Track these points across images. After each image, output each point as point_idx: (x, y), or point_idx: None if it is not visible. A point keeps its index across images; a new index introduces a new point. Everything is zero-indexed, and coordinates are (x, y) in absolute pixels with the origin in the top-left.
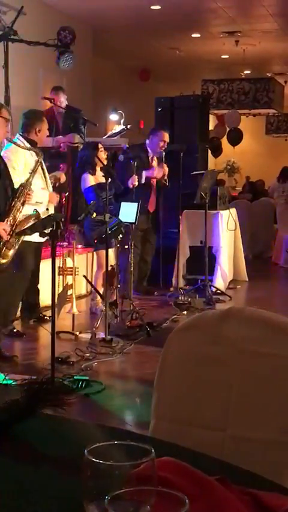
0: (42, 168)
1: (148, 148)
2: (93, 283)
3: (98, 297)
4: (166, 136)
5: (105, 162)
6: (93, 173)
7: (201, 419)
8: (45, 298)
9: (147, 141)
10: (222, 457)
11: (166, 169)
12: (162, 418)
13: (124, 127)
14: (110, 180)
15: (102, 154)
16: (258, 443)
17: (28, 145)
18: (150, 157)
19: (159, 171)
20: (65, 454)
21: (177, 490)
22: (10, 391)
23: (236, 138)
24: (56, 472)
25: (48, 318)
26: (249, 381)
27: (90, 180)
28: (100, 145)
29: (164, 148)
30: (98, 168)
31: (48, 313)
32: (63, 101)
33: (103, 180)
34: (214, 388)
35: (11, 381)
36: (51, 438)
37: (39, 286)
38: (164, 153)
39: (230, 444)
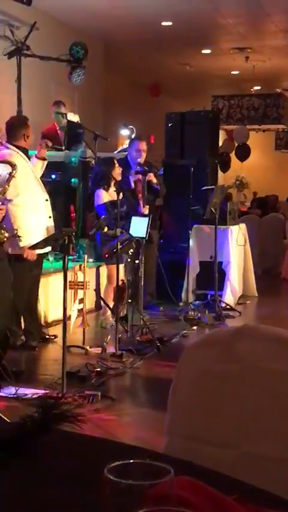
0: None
1: (130, 162)
2: (103, 297)
3: (109, 312)
4: (142, 145)
5: (118, 178)
6: (108, 189)
7: (215, 437)
8: (56, 313)
9: (127, 155)
10: (236, 475)
11: (152, 177)
12: (176, 435)
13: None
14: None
15: (118, 170)
16: (272, 461)
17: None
18: (130, 178)
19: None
20: (81, 472)
21: (195, 510)
22: (23, 406)
23: (244, 153)
24: (72, 490)
25: (51, 337)
26: (263, 398)
27: (104, 196)
28: (115, 161)
29: (143, 157)
30: (112, 184)
31: (56, 329)
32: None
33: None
34: (228, 405)
35: None
36: (67, 455)
37: (43, 301)
38: (142, 161)
39: (244, 462)
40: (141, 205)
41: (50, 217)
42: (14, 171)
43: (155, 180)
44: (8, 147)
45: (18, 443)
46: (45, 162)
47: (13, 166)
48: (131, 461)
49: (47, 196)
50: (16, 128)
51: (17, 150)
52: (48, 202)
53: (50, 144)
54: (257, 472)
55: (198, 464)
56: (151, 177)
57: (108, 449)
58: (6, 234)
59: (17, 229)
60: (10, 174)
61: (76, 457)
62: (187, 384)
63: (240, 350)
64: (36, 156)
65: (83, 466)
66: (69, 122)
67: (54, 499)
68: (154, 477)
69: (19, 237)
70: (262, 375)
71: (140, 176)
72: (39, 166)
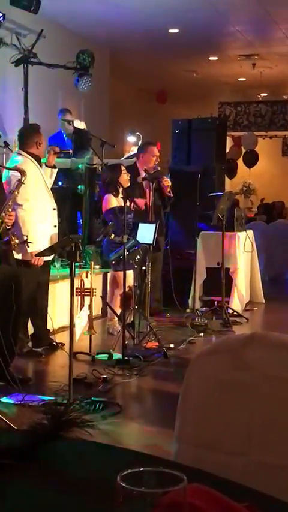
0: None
1: (139, 168)
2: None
3: (115, 318)
4: (156, 151)
5: (126, 185)
6: (117, 195)
7: (224, 444)
8: (63, 320)
9: (136, 161)
10: (244, 482)
11: (169, 183)
12: (185, 442)
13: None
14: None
15: (125, 177)
16: (281, 468)
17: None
18: (143, 183)
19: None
20: (93, 479)
21: None
22: (30, 413)
23: (251, 160)
24: (84, 497)
25: (59, 344)
26: (273, 406)
27: (112, 201)
28: (123, 168)
29: (157, 163)
30: (120, 191)
31: (62, 335)
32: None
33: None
34: (238, 413)
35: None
36: (78, 462)
37: (49, 309)
38: (158, 168)
39: (253, 469)
40: (150, 213)
41: (55, 226)
42: (23, 178)
43: (169, 189)
44: (20, 154)
45: (28, 450)
46: (55, 171)
47: (22, 173)
48: (144, 469)
49: (55, 206)
50: (28, 135)
51: (30, 158)
52: (55, 211)
53: (57, 150)
54: (265, 479)
55: (208, 472)
56: (167, 182)
57: (118, 456)
58: (17, 241)
59: (26, 235)
60: (19, 180)
61: (87, 464)
62: (196, 391)
63: (250, 358)
64: (45, 165)
65: (95, 473)
66: (76, 129)
67: (66, 506)
68: (167, 485)
69: (29, 242)
70: (272, 383)
71: (148, 183)
72: (48, 174)
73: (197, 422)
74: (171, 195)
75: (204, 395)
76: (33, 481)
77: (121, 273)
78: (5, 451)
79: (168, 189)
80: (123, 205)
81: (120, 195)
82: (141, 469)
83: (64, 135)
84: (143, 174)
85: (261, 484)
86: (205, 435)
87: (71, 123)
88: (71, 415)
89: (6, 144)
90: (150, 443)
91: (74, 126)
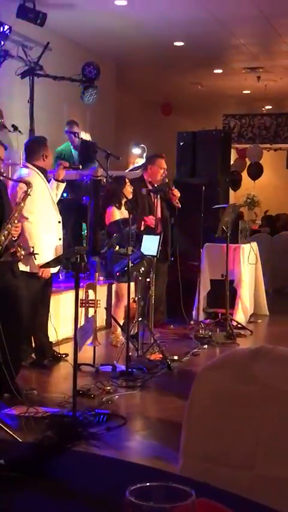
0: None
1: (146, 180)
2: (112, 314)
3: (119, 330)
4: (164, 163)
5: (129, 197)
6: (119, 207)
7: (231, 458)
8: (67, 331)
9: (144, 174)
10: (250, 497)
11: (178, 194)
12: (191, 455)
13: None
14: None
15: (129, 189)
16: (287, 482)
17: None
18: (152, 196)
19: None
20: (101, 493)
21: None
22: (34, 425)
23: (256, 172)
24: (89, 510)
25: (62, 355)
26: (280, 420)
27: (115, 214)
28: (127, 180)
29: (165, 175)
30: (123, 202)
31: (66, 347)
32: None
33: (127, 214)
34: (244, 426)
35: None
36: (85, 476)
37: (52, 321)
38: (166, 180)
39: (260, 483)
40: (158, 224)
41: (60, 239)
42: (29, 190)
43: (177, 199)
44: (27, 167)
45: (34, 463)
46: (62, 185)
47: (28, 184)
48: (153, 483)
49: (60, 218)
50: (35, 148)
51: (36, 170)
52: (60, 224)
53: (66, 164)
54: (272, 493)
55: (214, 486)
56: (177, 192)
57: (125, 470)
58: (23, 252)
59: (33, 247)
60: (25, 192)
61: (94, 478)
62: (202, 405)
63: (257, 371)
64: (54, 179)
65: (102, 487)
66: (82, 140)
67: None
68: (175, 500)
69: (36, 254)
70: (279, 397)
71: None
72: (55, 186)
73: (203, 436)
74: (179, 206)
75: (210, 409)
76: (39, 494)
77: (125, 285)
78: (11, 463)
79: (177, 200)
80: (126, 217)
81: (124, 207)
82: (150, 483)
83: (71, 147)
84: (150, 186)
85: (267, 498)
86: (211, 449)
87: (77, 135)
88: (76, 428)
89: (15, 127)
90: (154, 456)
91: (81, 138)
